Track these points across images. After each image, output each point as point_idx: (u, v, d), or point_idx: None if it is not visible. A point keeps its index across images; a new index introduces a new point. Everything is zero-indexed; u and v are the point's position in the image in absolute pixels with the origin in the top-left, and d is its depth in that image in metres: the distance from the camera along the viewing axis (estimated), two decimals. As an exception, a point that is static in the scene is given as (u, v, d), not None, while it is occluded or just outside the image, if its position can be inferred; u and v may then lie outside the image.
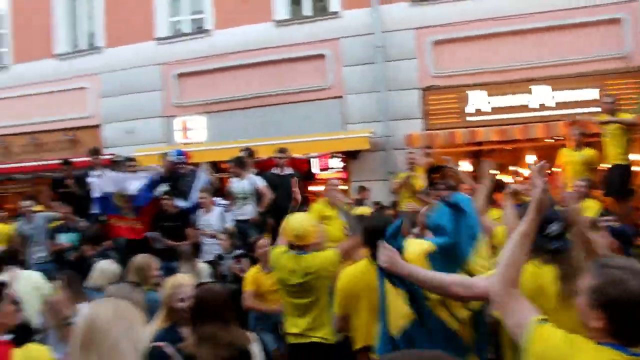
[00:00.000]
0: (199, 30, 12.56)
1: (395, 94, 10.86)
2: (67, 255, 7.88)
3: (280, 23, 11.70)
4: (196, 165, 8.56)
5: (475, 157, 11.20)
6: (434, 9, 10.74)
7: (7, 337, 2.92)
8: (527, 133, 9.77)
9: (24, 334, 3.47)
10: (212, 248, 7.12)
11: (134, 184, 7.72)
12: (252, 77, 11.82)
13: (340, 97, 11.26)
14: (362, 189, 9.63)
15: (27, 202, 8.34)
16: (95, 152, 8.75)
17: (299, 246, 4.21)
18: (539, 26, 10.15)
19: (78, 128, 13.65)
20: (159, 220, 7.60)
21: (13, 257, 6.02)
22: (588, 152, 7.84)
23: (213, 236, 7.15)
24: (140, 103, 12.72)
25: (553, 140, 10.11)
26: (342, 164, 11.70)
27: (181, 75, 12.46)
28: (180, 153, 8.27)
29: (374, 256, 3.38)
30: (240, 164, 7.69)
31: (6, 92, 14.30)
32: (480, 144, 10.78)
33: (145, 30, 12.72)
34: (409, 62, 10.82)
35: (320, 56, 11.36)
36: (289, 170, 8.05)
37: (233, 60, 11.91)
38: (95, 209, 8.03)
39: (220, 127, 12.07)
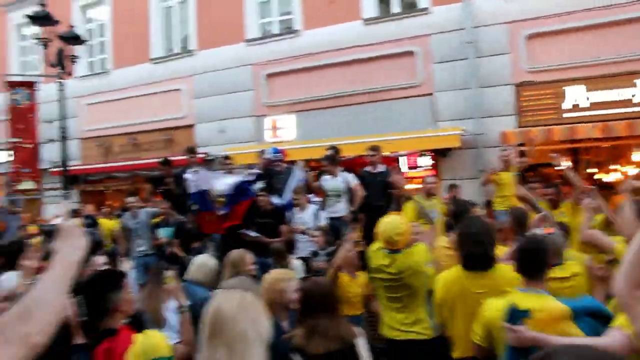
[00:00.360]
0: (288, 30, 12.77)
1: (487, 90, 10.62)
2: (165, 249, 8.25)
3: (369, 21, 11.72)
4: (292, 162, 8.67)
5: (572, 154, 10.75)
6: (527, 2, 10.40)
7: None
8: (632, 129, 9.26)
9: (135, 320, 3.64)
10: (305, 245, 7.19)
11: (223, 183, 7.93)
12: (340, 76, 11.91)
13: (430, 94, 11.13)
14: (453, 186, 9.45)
15: (133, 199, 8.77)
16: (192, 150, 9.06)
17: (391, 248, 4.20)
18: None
19: (173, 128, 14.25)
20: (254, 216, 7.77)
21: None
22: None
23: (304, 233, 7.23)
24: (231, 103, 13.13)
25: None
26: (431, 162, 11.56)
27: (271, 75, 12.76)
28: (276, 151, 8.40)
29: (466, 261, 3.48)
30: (333, 161, 7.73)
31: (107, 96, 15.18)
32: (577, 141, 10.34)
33: (235, 33, 13.11)
34: (501, 58, 10.55)
35: (410, 53, 11.28)
36: (381, 168, 8.03)
37: (322, 60, 12.06)
38: (191, 205, 8.33)
39: (309, 125, 12.25)
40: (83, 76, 15.49)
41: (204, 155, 12.41)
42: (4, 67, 16.80)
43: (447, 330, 3.71)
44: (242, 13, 13.10)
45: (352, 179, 7.62)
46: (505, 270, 3.39)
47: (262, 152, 8.73)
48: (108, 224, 11.20)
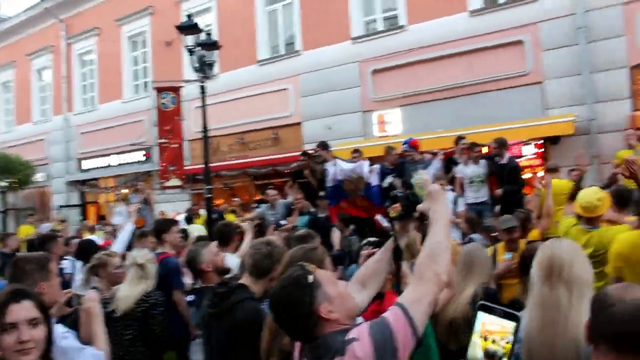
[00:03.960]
0: (393, 26, 13.65)
1: (599, 75, 11.02)
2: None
3: (475, 12, 12.40)
4: (432, 153, 9.39)
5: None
6: (644, -19, 10.73)
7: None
8: None
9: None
10: None
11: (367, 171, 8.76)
12: (447, 69, 12.63)
13: (540, 82, 11.66)
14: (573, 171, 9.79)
15: (273, 192, 9.83)
16: (325, 145, 10.01)
17: (587, 219, 4.61)
18: None
19: (280, 127, 15.41)
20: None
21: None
22: None
23: None
24: (338, 100, 14.16)
25: None
26: (536, 150, 12.01)
27: (378, 71, 13.69)
28: (406, 142, 9.18)
29: None
30: (475, 149, 8.54)
31: (215, 98, 16.43)
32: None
33: (340, 31, 14.14)
34: (615, 41, 10.91)
35: (518, 42, 11.86)
36: (507, 159, 8.83)
37: (428, 54, 12.84)
38: (327, 196, 9.19)
39: (416, 119, 13.03)
40: (189, 80, 16.86)
41: (303, 151, 13.44)
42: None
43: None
44: (346, 12, 14.11)
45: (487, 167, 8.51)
46: None
47: (388, 148, 9.50)
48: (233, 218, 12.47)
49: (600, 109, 10.98)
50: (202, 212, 13.43)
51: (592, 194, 4.61)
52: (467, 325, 3.20)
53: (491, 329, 1.62)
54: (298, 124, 15.07)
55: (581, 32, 11.07)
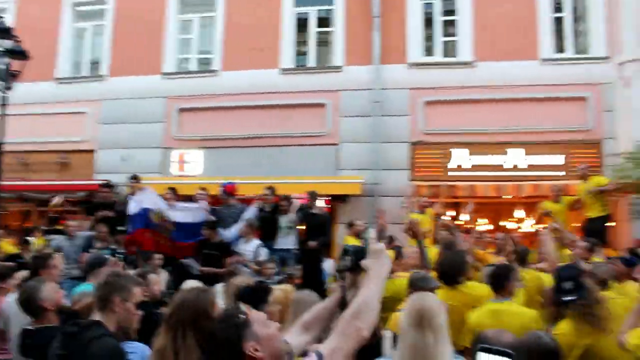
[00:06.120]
0: (206, 69, 14.32)
1: (386, 145, 12.82)
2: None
3: (286, 71, 13.64)
4: (246, 200, 10.08)
5: (455, 207, 13.10)
6: (428, 73, 12.98)
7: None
8: (499, 191, 11.90)
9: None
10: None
11: (182, 215, 9.12)
12: (253, 119, 13.58)
13: (336, 144, 13.14)
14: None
15: (75, 223, 9.55)
16: (135, 177, 10.11)
17: None
18: (517, 97, 12.43)
19: (70, 151, 14.89)
20: (201, 247, 9.02)
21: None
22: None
23: (246, 265, 8.41)
24: (139, 132, 14.25)
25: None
26: (324, 206, 13.33)
27: (184, 109, 14.15)
28: (224, 186, 9.75)
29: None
30: (287, 200, 9.43)
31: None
32: (457, 197, 12.71)
33: (152, 64, 14.40)
34: (401, 118, 12.86)
35: (321, 105, 13.31)
36: (318, 209, 10.06)
37: (236, 101, 13.68)
38: (130, 226, 9.29)
39: (216, 162, 13.68)
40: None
41: (105, 182, 13.31)
42: None
43: None
44: (160, 46, 14.44)
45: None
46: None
47: (203, 189, 10.10)
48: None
49: (384, 175, 12.71)
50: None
51: None
52: None
53: None
54: (92, 151, 14.78)
55: (375, 106, 12.86)
